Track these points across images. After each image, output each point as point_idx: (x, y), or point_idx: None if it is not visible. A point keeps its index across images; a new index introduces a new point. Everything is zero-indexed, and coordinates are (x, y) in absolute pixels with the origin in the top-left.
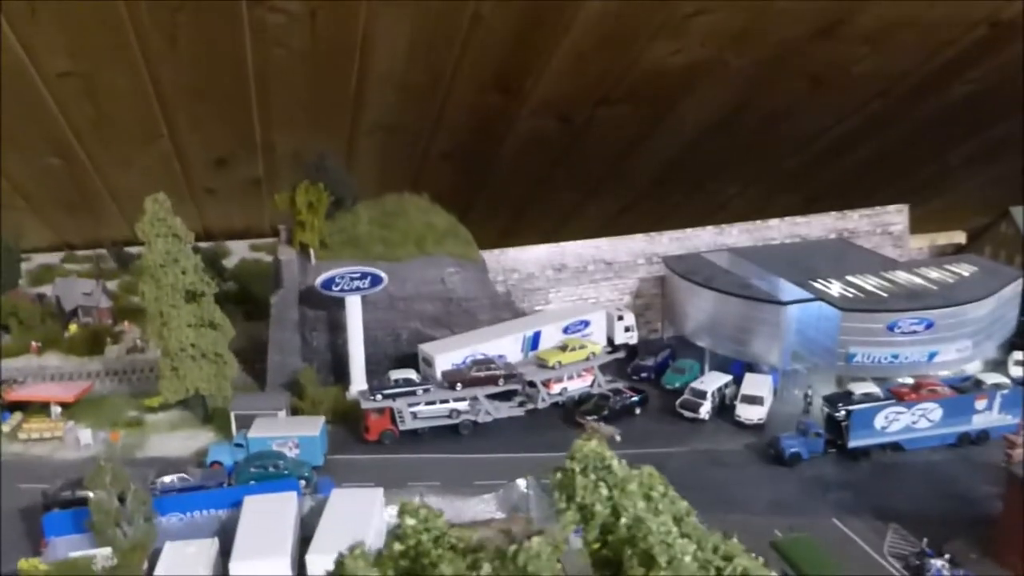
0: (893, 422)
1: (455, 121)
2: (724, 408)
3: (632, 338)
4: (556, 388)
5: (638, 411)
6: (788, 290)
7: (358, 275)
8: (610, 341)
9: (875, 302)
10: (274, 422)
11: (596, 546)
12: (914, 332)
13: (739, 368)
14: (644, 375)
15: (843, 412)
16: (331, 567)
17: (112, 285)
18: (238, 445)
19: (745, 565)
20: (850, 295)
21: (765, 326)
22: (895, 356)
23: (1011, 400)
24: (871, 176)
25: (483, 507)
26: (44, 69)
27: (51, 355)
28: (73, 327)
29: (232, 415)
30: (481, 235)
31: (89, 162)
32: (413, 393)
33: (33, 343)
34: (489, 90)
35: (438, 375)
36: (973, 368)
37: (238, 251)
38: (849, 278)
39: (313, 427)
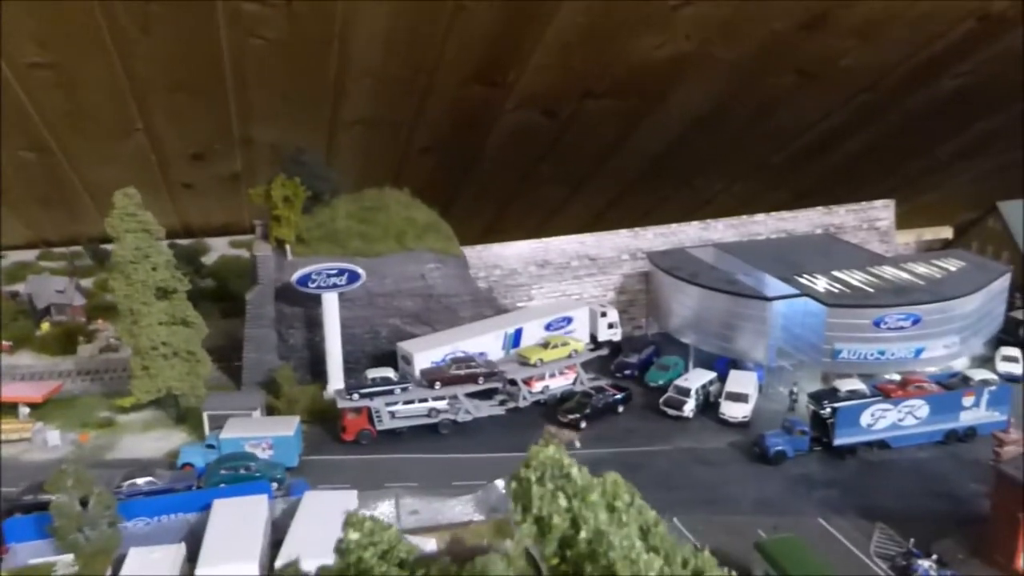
0: (880, 419)
1: (437, 114)
2: (708, 406)
3: (616, 335)
4: (538, 386)
5: (621, 409)
6: (773, 286)
7: (335, 271)
8: (593, 338)
9: (861, 298)
10: (248, 422)
11: (555, 561)
12: (901, 328)
13: (724, 365)
14: (628, 372)
15: (829, 409)
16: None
17: (88, 282)
18: (210, 446)
19: None
20: (836, 291)
21: (750, 322)
22: (881, 352)
23: (999, 396)
24: (858, 171)
25: (462, 508)
26: (14, 60)
27: (23, 354)
28: (45, 325)
29: (205, 415)
30: (464, 230)
31: (63, 156)
32: (391, 392)
33: (4, 342)
34: (472, 83)
35: (417, 373)
36: (960, 364)
37: (218, 247)
38: (835, 273)
39: (288, 427)
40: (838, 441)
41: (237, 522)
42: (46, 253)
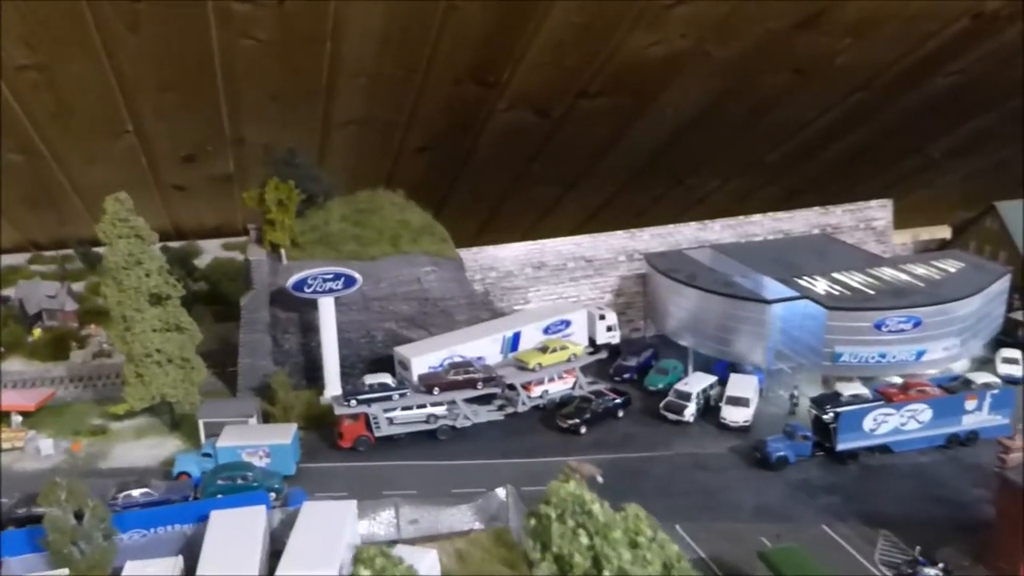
0: (882, 424)
1: (430, 114)
2: (709, 410)
3: (614, 338)
4: (537, 391)
5: (620, 414)
6: (772, 288)
7: (331, 276)
8: (591, 341)
9: (862, 300)
10: (244, 430)
11: None
12: (902, 330)
13: (723, 368)
14: (627, 376)
15: (831, 414)
16: None
17: (79, 286)
18: (206, 455)
19: None
20: (836, 293)
21: (749, 325)
22: (882, 355)
23: (1001, 400)
24: (852, 169)
25: (462, 517)
26: (2, 62)
27: (14, 360)
28: (37, 331)
29: (200, 423)
30: (457, 231)
31: (52, 158)
32: (389, 398)
33: None
34: (465, 82)
35: (415, 379)
36: (960, 366)
37: (210, 250)
38: (834, 275)
39: (285, 435)
40: (841, 446)
41: (235, 534)
42: (36, 257)
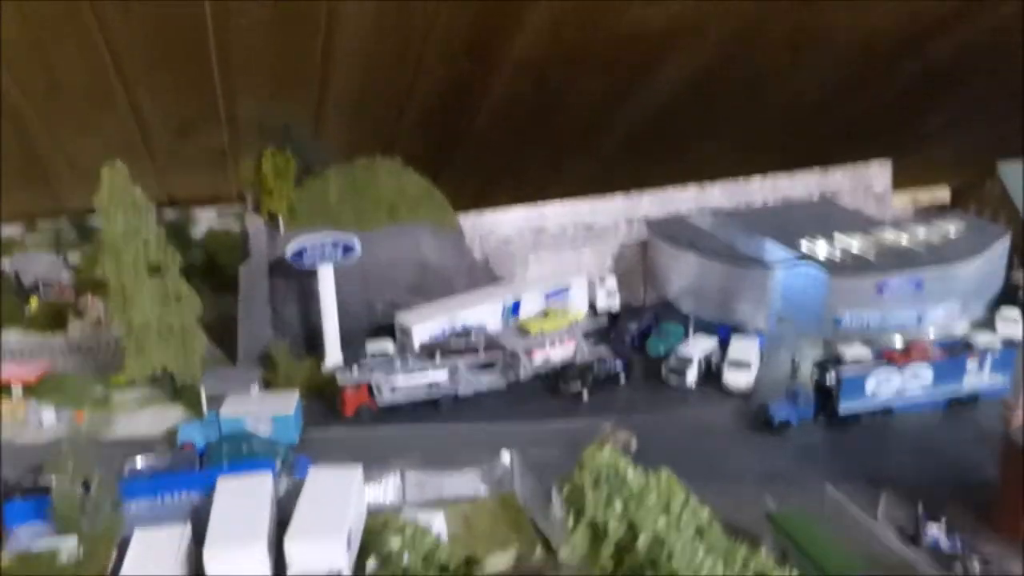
0: (884, 386)
1: (427, 86)
2: (710, 374)
3: (615, 304)
4: (538, 357)
5: (622, 379)
6: (774, 252)
7: (330, 244)
8: (592, 307)
9: (863, 263)
10: (246, 399)
11: (610, 566)
12: (903, 293)
13: (724, 333)
14: (628, 341)
15: (833, 377)
16: (309, 552)
17: (74, 257)
18: (209, 424)
19: None
20: (837, 257)
21: (751, 290)
22: (884, 318)
23: (1002, 361)
24: (852, 135)
25: (467, 482)
26: None
27: (11, 332)
28: (34, 303)
29: (202, 392)
30: (454, 198)
31: (44, 129)
32: (390, 365)
33: None
34: (462, 54)
35: (416, 346)
36: (960, 328)
37: (205, 219)
38: (835, 239)
39: (287, 404)
40: (843, 409)
41: (242, 502)
42: (30, 228)
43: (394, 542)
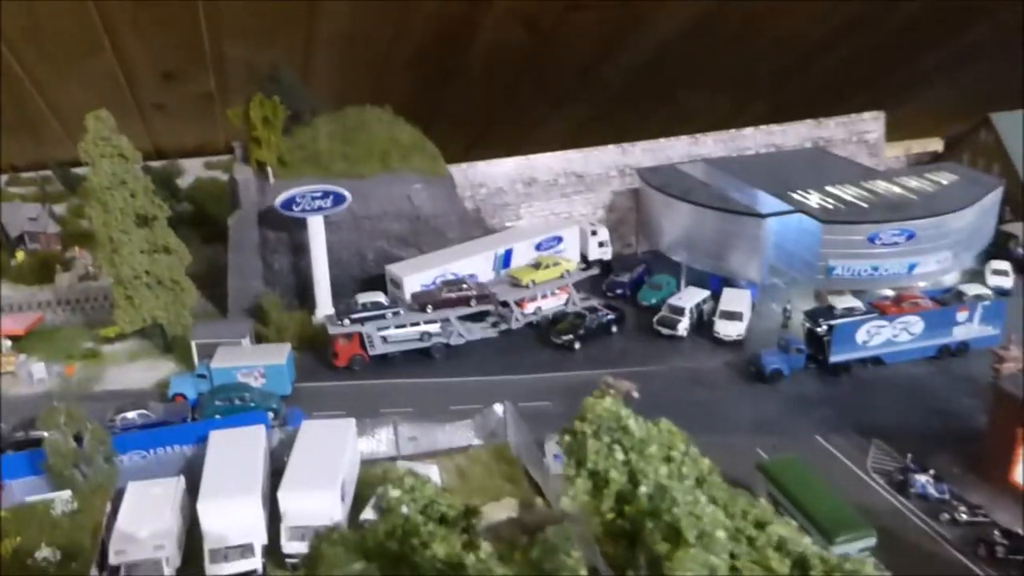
0: (875, 336)
1: (417, 28)
2: (702, 324)
3: (606, 254)
4: (530, 307)
5: (614, 329)
6: (767, 202)
7: (319, 194)
8: (584, 257)
9: (856, 213)
10: (238, 351)
11: (611, 516)
12: (895, 243)
13: (716, 283)
14: (619, 292)
15: (824, 327)
16: (303, 505)
17: (60, 209)
18: (201, 376)
19: (780, 533)
20: (830, 206)
21: (743, 240)
22: (875, 268)
23: (992, 312)
24: (843, 82)
25: (460, 433)
26: None
27: None
28: (20, 255)
29: (193, 344)
30: (445, 148)
31: (27, 78)
32: (382, 316)
33: None
34: None
35: (407, 297)
36: (950, 279)
37: (192, 170)
38: (828, 189)
39: (279, 355)
40: (834, 358)
41: (236, 453)
42: (14, 179)
43: (393, 493)
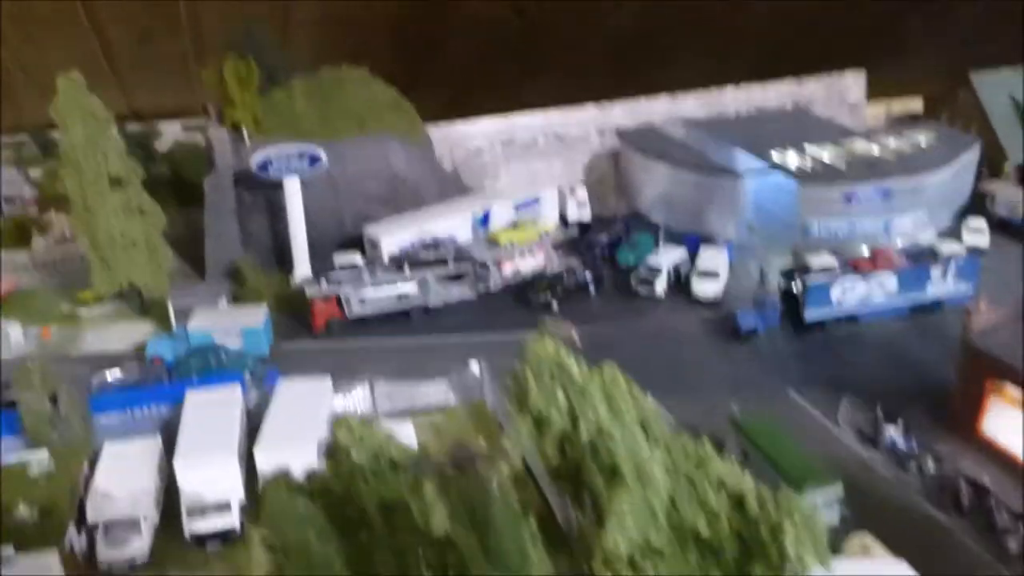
0: (849, 294)
1: None
2: (680, 284)
3: (585, 214)
4: (508, 268)
5: (592, 289)
6: (744, 161)
7: (295, 155)
8: (562, 218)
9: (833, 173)
10: (215, 313)
11: (553, 457)
12: (871, 202)
13: (694, 243)
14: (598, 252)
15: (799, 285)
16: (280, 461)
17: (35, 173)
18: (178, 338)
19: (720, 471)
20: (808, 166)
21: (721, 199)
22: (852, 227)
23: (966, 269)
24: (827, 46)
25: (436, 392)
26: None
27: None
28: None
29: (170, 307)
30: (424, 111)
31: (1, 42)
32: (359, 278)
33: None
34: None
35: (385, 258)
36: (927, 237)
37: (170, 132)
38: (807, 148)
39: (256, 317)
40: (808, 316)
41: (212, 413)
42: None
43: (341, 438)
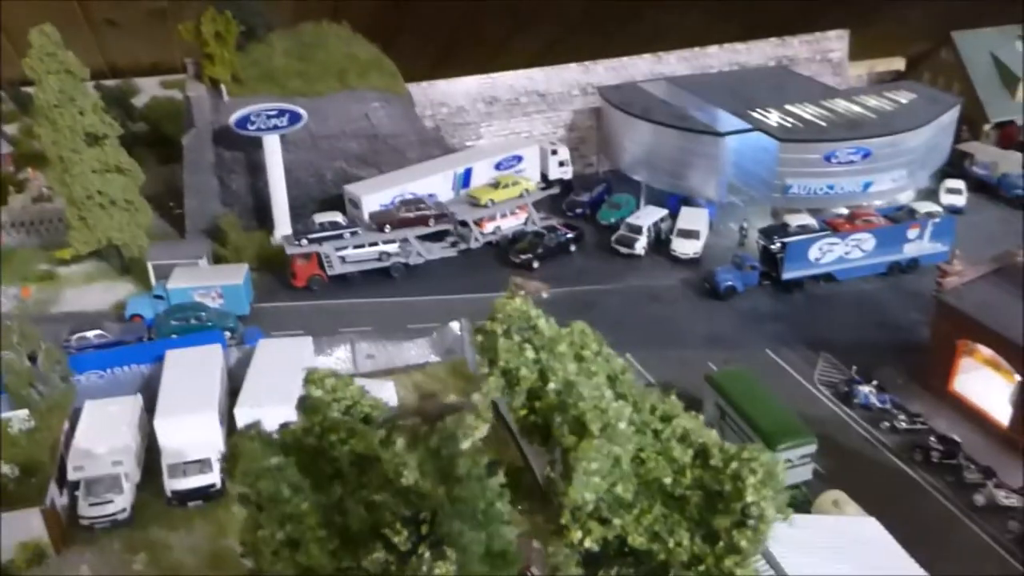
0: (827, 253)
1: None
2: (660, 243)
3: (567, 173)
4: (489, 227)
5: (573, 248)
6: (726, 121)
7: (275, 112)
8: (544, 177)
9: (813, 132)
10: (195, 271)
11: (523, 413)
12: (851, 162)
13: (675, 202)
14: (579, 211)
15: (778, 244)
16: (261, 419)
17: (11, 129)
18: (157, 297)
19: (685, 425)
20: (788, 125)
21: (702, 158)
22: (831, 187)
23: (942, 228)
24: (810, 2)
25: (417, 351)
26: None
27: None
28: None
29: (150, 265)
30: (408, 69)
31: None
32: (340, 236)
33: None
34: None
35: (365, 217)
36: (906, 197)
37: (149, 88)
38: (788, 107)
39: (236, 275)
40: (786, 275)
41: (192, 372)
42: None
43: (314, 392)
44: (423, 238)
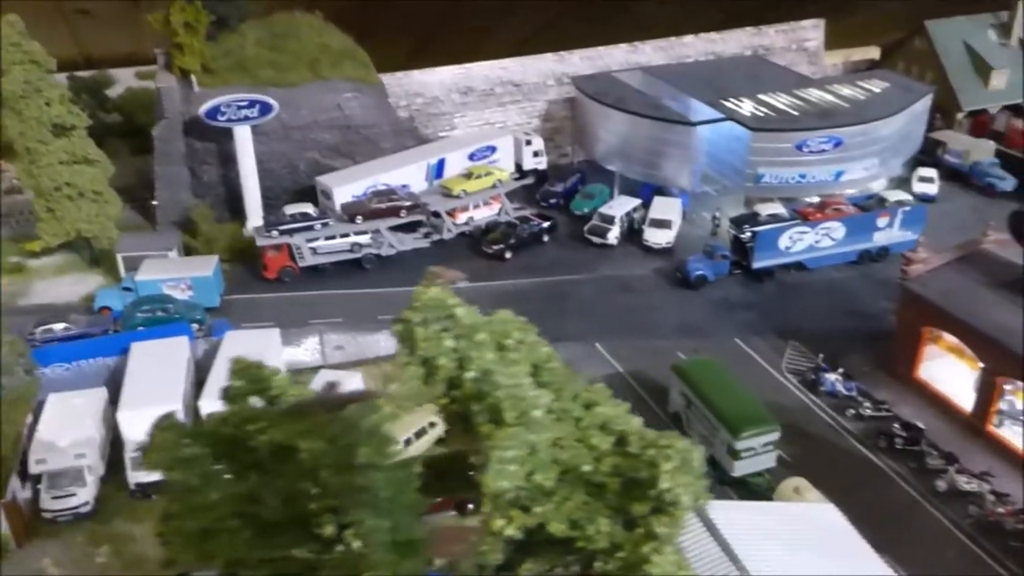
0: (797, 242)
1: None
2: (633, 233)
3: (541, 163)
4: (462, 218)
5: (546, 238)
6: (699, 110)
7: (245, 103)
8: (518, 167)
9: (785, 121)
10: (165, 263)
11: (444, 402)
12: (823, 151)
13: (649, 192)
14: (553, 201)
15: (748, 233)
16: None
17: None
18: (126, 289)
19: (606, 413)
20: (761, 114)
21: (676, 148)
22: (802, 176)
23: (912, 217)
24: None
25: (386, 342)
26: None
27: None
28: None
29: (119, 257)
30: (383, 59)
31: None
32: (311, 228)
33: None
34: None
35: (337, 208)
36: (878, 186)
37: (124, 79)
38: (761, 97)
39: (206, 267)
40: (757, 264)
41: (158, 364)
42: None
43: (235, 383)
44: (395, 229)
